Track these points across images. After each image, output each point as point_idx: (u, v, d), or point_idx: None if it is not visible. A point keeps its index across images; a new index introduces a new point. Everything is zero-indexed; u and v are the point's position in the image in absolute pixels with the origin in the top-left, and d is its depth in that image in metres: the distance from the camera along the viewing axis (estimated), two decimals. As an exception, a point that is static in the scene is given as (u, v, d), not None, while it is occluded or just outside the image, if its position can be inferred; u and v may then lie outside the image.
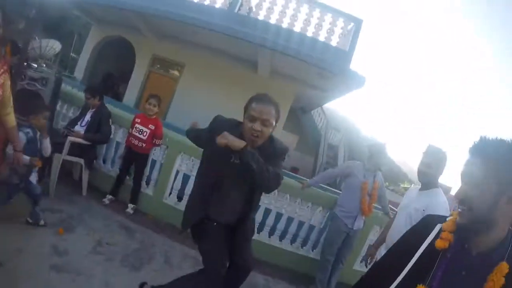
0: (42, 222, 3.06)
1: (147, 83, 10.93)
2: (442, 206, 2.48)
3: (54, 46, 5.34)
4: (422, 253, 1.16)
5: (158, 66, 11.01)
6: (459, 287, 1.06)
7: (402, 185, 22.98)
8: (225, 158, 1.98)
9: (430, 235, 1.18)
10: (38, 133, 3.01)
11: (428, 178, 2.59)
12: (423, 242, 1.18)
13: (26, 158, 2.78)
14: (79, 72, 12.22)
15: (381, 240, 2.99)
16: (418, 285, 1.09)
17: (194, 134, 2.37)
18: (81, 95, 4.49)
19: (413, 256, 1.16)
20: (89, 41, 12.55)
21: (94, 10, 10.57)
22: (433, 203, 2.48)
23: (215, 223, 2.12)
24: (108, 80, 13.12)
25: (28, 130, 2.91)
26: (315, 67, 7.47)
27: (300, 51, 7.34)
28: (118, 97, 11.37)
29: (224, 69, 9.71)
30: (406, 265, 1.16)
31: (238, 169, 1.94)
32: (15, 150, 2.19)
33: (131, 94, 10.98)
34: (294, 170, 13.25)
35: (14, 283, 2.24)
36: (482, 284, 1.01)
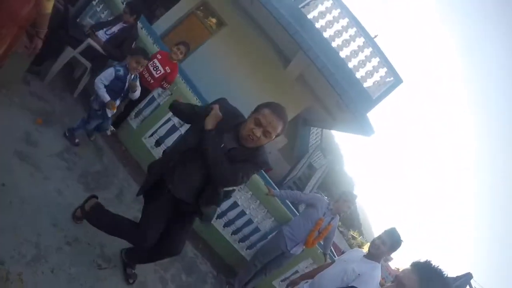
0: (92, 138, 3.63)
1: (184, 21, 10.67)
2: (374, 279, 2.63)
3: None
4: None
5: (202, 11, 10.77)
6: None
7: (351, 233, 23.46)
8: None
9: None
10: (131, 75, 3.32)
11: (377, 252, 2.73)
12: None
13: (107, 98, 3.20)
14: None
15: (308, 275, 3.11)
16: None
17: (179, 108, 2.27)
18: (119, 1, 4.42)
19: None
20: None
21: None
22: (369, 273, 2.58)
23: (168, 191, 2.12)
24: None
25: (120, 68, 3.27)
26: (338, 96, 7.50)
27: (334, 75, 7.32)
28: (152, 19, 11.08)
29: (257, 51, 9.45)
30: None
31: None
32: (37, 35, 2.19)
33: (163, 23, 10.73)
34: (268, 168, 13.31)
35: None
36: None
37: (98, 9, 4.67)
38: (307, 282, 2.89)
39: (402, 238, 2.81)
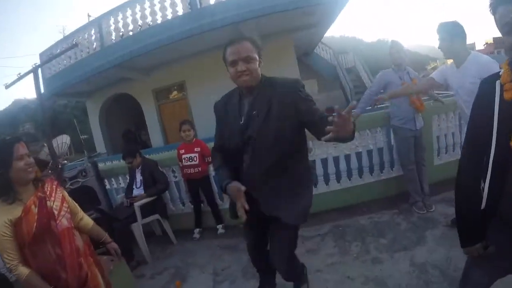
0: None
1: (162, 117, 11.10)
2: (489, 63, 2.41)
3: (64, 140, 5.60)
4: (499, 112, 1.22)
5: (163, 97, 11.15)
6: None
7: (428, 67, 22.10)
8: (233, 125, 1.93)
9: (496, 97, 1.25)
10: None
11: (453, 52, 2.59)
12: (493, 105, 1.25)
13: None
14: (100, 145, 12.64)
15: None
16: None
17: (220, 158, 2.08)
18: (118, 163, 4.66)
19: (493, 119, 1.24)
20: (91, 114, 12.93)
21: (78, 89, 10.80)
22: (484, 67, 2.36)
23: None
24: (129, 136, 13.47)
25: None
26: (296, 9, 7.28)
27: (279, 3, 7.19)
28: (146, 145, 11.62)
29: (221, 64, 9.44)
30: (491, 128, 1.24)
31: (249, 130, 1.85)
32: (106, 243, 2.30)
33: (155, 136, 11.23)
34: (330, 110, 13.05)
35: None
36: None
37: (115, 185, 4.98)
38: None
39: (454, 21, 2.60)
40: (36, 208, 1.76)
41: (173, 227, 4.28)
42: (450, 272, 2.51)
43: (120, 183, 4.92)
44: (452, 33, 2.55)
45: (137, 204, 3.83)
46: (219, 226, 4.22)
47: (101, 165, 5.15)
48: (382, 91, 3.71)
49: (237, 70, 1.82)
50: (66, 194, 2.04)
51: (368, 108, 3.97)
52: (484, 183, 1.33)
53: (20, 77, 5.82)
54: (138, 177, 4.11)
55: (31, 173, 1.78)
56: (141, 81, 10.50)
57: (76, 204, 2.14)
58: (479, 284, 1.50)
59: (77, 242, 1.94)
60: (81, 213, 2.13)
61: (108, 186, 4.97)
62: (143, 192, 3.99)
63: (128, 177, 4.46)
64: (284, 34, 9.50)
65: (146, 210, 3.93)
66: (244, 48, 1.82)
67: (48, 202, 1.83)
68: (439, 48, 2.64)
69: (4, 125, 48.38)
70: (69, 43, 9.32)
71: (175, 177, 4.54)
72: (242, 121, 1.88)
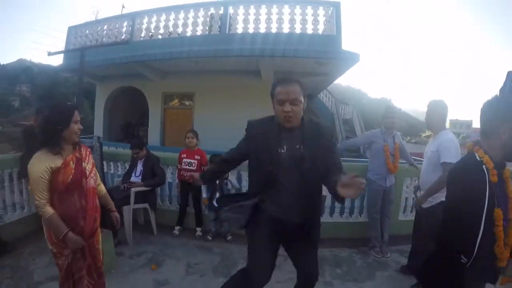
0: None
1: (166, 120, 11.53)
2: (451, 143, 2.94)
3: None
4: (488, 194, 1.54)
5: (171, 101, 11.64)
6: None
7: (423, 135, 23.00)
8: (272, 152, 2.00)
9: (487, 180, 1.56)
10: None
11: (431, 125, 3.10)
12: (485, 186, 1.55)
13: None
14: (98, 129, 12.95)
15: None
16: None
17: (219, 166, 2.36)
18: (123, 150, 5.06)
19: (484, 198, 1.54)
20: (98, 98, 13.28)
21: (95, 70, 11.19)
22: (442, 143, 2.96)
23: (269, 215, 2.07)
24: (128, 129, 13.83)
25: None
26: (312, 58, 7.94)
27: (296, 49, 7.85)
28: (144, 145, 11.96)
29: (231, 86, 10.15)
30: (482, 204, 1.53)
31: (289, 160, 1.98)
32: (112, 210, 2.64)
33: (154, 135, 11.59)
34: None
35: None
36: None
37: (112, 170, 5.38)
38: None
39: (441, 101, 3.14)
40: (74, 165, 2.15)
41: (157, 220, 4.63)
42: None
43: (118, 169, 5.29)
44: (439, 112, 3.10)
45: (133, 189, 4.22)
46: (198, 229, 4.59)
47: (104, 148, 5.50)
48: (366, 146, 4.22)
49: (283, 110, 1.94)
50: (94, 161, 2.45)
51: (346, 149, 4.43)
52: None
53: (67, 51, 6.23)
54: (139, 167, 4.50)
55: (78, 136, 2.18)
56: (155, 82, 10.98)
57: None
58: None
59: (97, 201, 2.35)
60: (99, 180, 2.52)
61: (105, 169, 5.31)
62: (140, 181, 4.39)
63: (127, 166, 4.84)
64: (295, 76, 10.00)
65: (139, 197, 4.30)
66: (293, 91, 1.94)
67: (83, 163, 2.22)
68: (425, 121, 3.16)
69: (2, 79, 47.70)
70: (100, 27, 9.96)
71: (171, 177, 4.96)
72: (284, 150, 2.00)
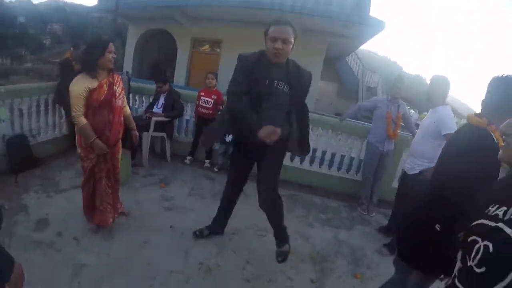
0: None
1: (192, 62, 11.85)
2: (448, 118, 3.12)
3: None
4: None
5: (199, 46, 11.87)
6: None
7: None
8: (262, 80, 2.31)
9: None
10: None
11: (432, 99, 3.24)
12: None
13: None
14: (127, 67, 13.33)
15: None
16: None
17: (245, 100, 2.37)
18: (148, 86, 5.48)
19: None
20: (130, 38, 13.67)
21: (128, 11, 11.36)
22: (441, 116, 3.13)
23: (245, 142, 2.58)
24: (156, 68, 14.23)
25: None
26: (338, 20, 7.95)
27: (325, 8, 7.86)
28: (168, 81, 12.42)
29: (258, 38, 10.06)
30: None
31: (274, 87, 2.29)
32: (133, 129, 3.08)
33: (179, 76, 11.96)
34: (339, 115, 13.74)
35: (142, 224, 3.17)
36: None
37: (137, 103, 5.83)
38: None
39: (444, 76, 3.28)
40: (107, 87, 2.61)
41: (171, 150, 5.10)
42: (358, 255, 3.30)
43: (143, 103, 5.70)
44: (440, 87, 3.22)
45: (154, 118, 4.67)
46: (207, 161, 5.09)
47: (132, 83, 5.89)
48: (371, 111, 4.43)
49: (274, 47, 2.20)
50: (123, 86, 2.87)
51: (353, 119, 4.64)
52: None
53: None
54: (161, 100, 4.91)
55: (111, 63, 2.60)
56: (185, 27, 11.19)
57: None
58: None
59: (122, 118, 2.82)
60: (125, 102, 2.95)
61: (131, 102, 5.73)
62: (161, 112, 4.82)
63: (151, 99, 5.24)
64: (322, 35, 10.13)
65: (158, 127, 4.75)
66: (285, 31, 2.21)
67: (114, 87, 2.68)
68: (427, 97, 3.28)
69: (35, 18, 48.28)
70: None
71: (189, 115, 5.40)
72: (267, 83, 2.30)
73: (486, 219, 1.03)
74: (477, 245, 0.99)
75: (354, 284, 2.83)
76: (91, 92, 2.52)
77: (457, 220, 1.43)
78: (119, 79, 2.78)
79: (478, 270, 0.96)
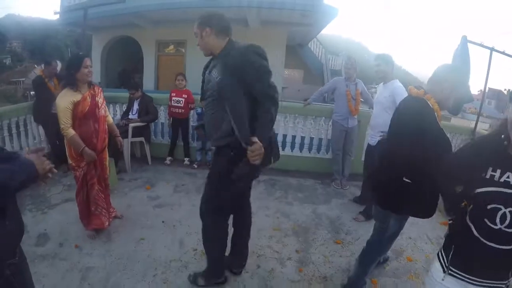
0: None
1: (159, 66, 11.91)
2: (401, 89, 3.40)
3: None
4: None
5: (164, 48, 11.93)
6: None
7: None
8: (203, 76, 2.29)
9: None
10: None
11: (382, 75, 3.57)
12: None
13: None
14: (95, 77, 13.21)
15: None
16: None
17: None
18: (121, 94, 5.62)
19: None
20: (95, 48, 13.51)
21: (91, 23, 11.20)
22: (395, 89, 3.43)
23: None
24: (124, 75, 14.13)
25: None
26: (295, 10, 8.28)
27: (282, 1, 8.15)
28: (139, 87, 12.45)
29: None
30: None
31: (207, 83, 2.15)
32: (117, 136, 3.27)
33: (148, 80, 11.99)
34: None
35: (136, 223, 3.37)
36: None
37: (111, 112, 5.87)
38: None
39: (388, 54, 3.61)
40: (90, 99, 2.82)
41: (151, 153, 5.29)
42: (336, 224, 3.63)
43: (117, 111, 5.75)
44: (387, 63, 3.56)
45: (131, 124, 4.83)
46: (186, 159, 5.32)
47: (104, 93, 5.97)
48: (331, 92, 4.75)
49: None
50: (104, 97, 3.08)
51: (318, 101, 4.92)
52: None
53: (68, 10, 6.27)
54: (135, 106, 5.06)
55: (89, 77, 2.80)
56: (149, 31, 11.29)
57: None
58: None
59: (106, 126, 3.04)
60: (108, 112, 3.17)
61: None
62: (137, 118, 4.98)
63: (124, 107, 5.37)
64: (281, 26, 10.40)
65: (136, 132, 4.92)
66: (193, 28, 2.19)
67: (96, 98, 2.89)
68: (375, 71, 3.61)
69: None
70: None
71: (164, 118, 5.56)
72: (208, 74, 2.19)
73: (499, 187, 1.18)
74: (501, 212, 1.16)
75: (336, 249, 3.14)
76: (75, 104, 2.73)
77: (424, 176, 1.75)
78: (100, 90, 2.99)
79: (509, 230, 1.16)
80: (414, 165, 1.83)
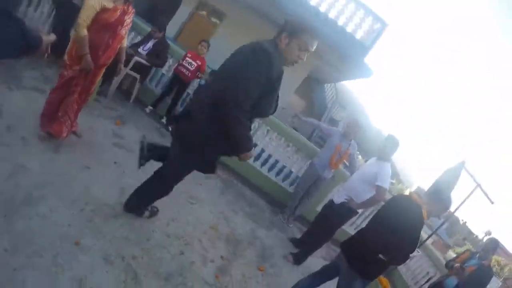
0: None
1: (189, 22, 11.57)
2: (387, 175, 3.48)
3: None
4: None
5: (203, 10, 11.62)
6: None
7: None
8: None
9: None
10: None
11: (382, 153, 3.57)
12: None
13: None
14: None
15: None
16: None
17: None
18: (141, 23, 5.42)
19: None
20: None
21: None
22: (383, 169, 3.47)
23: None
24: (154, 11, 13.68)
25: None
26: (337, 51, 8.31)
27: (329, 35, 8.12)
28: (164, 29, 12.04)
29: (257, 28, 10.16)
30: None
31: None
32: (120, 62, 3.17)
33: (172, 28, 11.64)
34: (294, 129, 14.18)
35: (89, 150, 3.21)
36: None
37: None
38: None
39: (397, 138, 3.65)
40: (119, 13, 2.69)
41: (137, 94, 5.13)
42: (267, 252, 3.59)
43: (128, 38, 5.53)
44: (392, 146, 3.57)
45: (136, 58, 4.67)
46: (165, 118, 5.15)
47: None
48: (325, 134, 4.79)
49: (300, 56, 2.05)
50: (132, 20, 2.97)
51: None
52: None
53: None
54: (150, 44, 4.88)
55: None
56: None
57: None
58: None
59: (118, 46, 2.92)
60: (126, 35, 3.03)
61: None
62: (145, 56, 4.79)
63: (139, 37, 5.20)
64: (313, 54, 10.26)
65: (136, 67, 4.74)
66: (315, 45, 2.06)
67: (125, 16, 2.76)
68: (379, 146, 3.62)
69: None
70: None
71: (165, 69, 5.44)
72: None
73: None
74: None
75: (256, 274, 3.09)
76: (103, 10, 2.60)
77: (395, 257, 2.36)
78: (132, 11, 2.86)
79: None
80: (393, 249, 2.34)
